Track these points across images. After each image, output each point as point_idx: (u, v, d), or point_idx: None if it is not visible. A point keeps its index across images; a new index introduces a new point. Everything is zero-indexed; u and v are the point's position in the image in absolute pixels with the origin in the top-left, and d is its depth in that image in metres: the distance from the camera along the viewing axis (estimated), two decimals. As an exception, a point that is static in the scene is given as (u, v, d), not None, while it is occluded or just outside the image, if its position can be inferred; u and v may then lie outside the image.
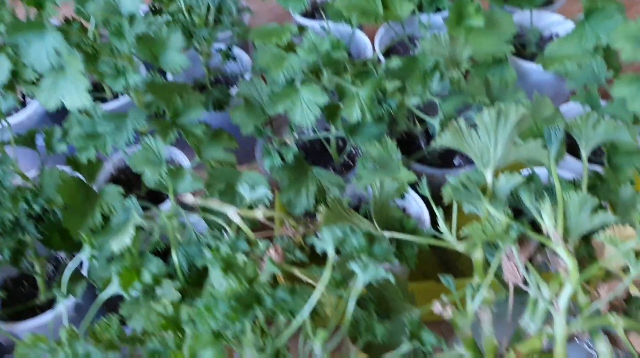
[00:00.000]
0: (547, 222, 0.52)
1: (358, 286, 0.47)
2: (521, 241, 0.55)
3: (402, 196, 0.69)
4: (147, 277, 0.47)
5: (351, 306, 0.47)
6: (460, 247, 0.59)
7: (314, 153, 0.85)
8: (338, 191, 0.73)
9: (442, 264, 0.87)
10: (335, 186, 0.73)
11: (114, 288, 0.50)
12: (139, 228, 0.57)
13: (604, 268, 0.57)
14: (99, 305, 0.51)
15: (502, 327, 0.55)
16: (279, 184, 0.73)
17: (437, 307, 0.51)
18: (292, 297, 0.46)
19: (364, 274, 0.46)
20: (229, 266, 0.44)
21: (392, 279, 0.47)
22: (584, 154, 0.58)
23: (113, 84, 0.65)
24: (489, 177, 0.56)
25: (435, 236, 0.63)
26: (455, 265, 0.87)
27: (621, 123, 0.56)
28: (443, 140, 0.55)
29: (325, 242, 0.47)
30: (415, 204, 0.78)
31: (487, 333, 0.52)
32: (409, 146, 0.85)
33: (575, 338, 0.54)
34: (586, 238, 0.59)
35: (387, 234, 0.64)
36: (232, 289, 0.44)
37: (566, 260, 0.50)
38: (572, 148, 0.72)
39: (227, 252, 0.45)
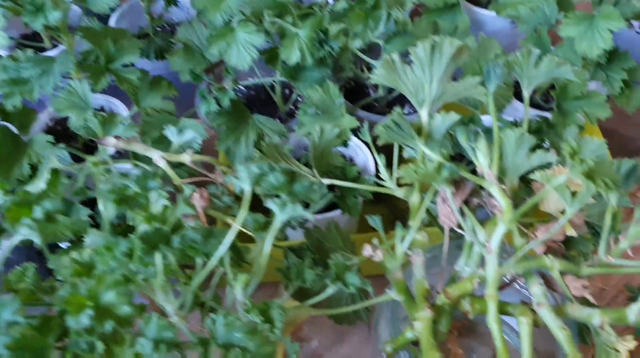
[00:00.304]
0: (481, 161, 0.49)
1: (276, 225, 0.45)
2: (457, 183, 0.52)
3: (345, 144, 0.66)
4: (38, 213, 0.44)
5: (268, 246, 0.45)
6: (399, 193, 0.57)
7: (260, 102, 0.82)
8: (279, 139, 0.70)
9: (393, 217, 0.85)
10: (277, 134, 0.71)
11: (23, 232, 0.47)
12: (57, 172, 0.54)
13: (546, 213, 0.55)
14: (7, 252, 0.48)
15: (438, 273, 0.53)
16: (217, 131, 0.70)
17: (367, 250, 0.49)
18: (206, 239, 0.43)
19: (281, 213, 0.44)
20: (125, 201, 0.41)
21: (310, 217, 0.45)
22: (526, 93, 0.56)
23: (32, 20, 0.60)
24: (424, 116, 0.53)
25: (377, 184, 0.60)
26: (406, 217, 0.85)
27: (565, 61, 0.54)
28: (377, 77, 0.52)
29: (242, 179, 0.45)
30: (361, 154, 0.75)
31: (418, 277, 0.49)
32: (357, 94, 0.82)
33: (513, 282, 0.52)
34: (527, 182, 0.57)
35: (327, 181, 0.61)
36: (140, 229, 0.41)
37: (500, 200, 0.48)
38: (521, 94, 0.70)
39: (136, 191, 0.42)
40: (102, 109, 0.84)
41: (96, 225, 0.55)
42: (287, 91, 0.83)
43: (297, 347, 0.49)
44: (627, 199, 0.54)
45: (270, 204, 0.44)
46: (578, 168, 0.43)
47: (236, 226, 0.43)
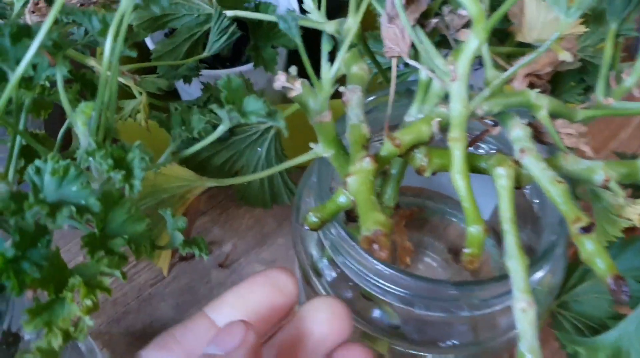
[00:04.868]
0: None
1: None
2: (409, -5, 0.37)
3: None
4: None
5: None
6: (329, 26, 0.41)
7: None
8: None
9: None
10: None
11: None
12: None
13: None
14: None
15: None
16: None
17: (279, 80, 0.33)
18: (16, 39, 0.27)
19: None
20: None
21: None
22: None
23: None
24: None
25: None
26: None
27: None
28: None
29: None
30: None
31: (354, 120, 0.35)
32: None
33: (483, 136, 0.38)
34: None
35: (230, 13, 0.45)
36: None
37: (469, 6, 0.33)
38: None
39: None
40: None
41: None
42: None
43: (181, 223, 0.34)
44: (631, 26, 0.40)
45: None
46: None
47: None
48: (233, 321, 0.29)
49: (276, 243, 0.62)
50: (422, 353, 0.38)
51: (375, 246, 0.29)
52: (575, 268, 0.43)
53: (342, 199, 0.33)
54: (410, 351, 0.38)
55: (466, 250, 0.31)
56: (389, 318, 0.40)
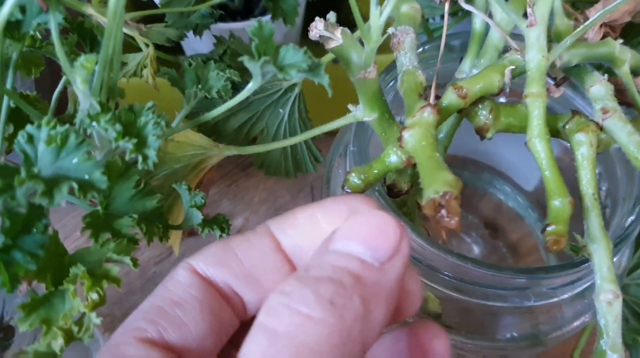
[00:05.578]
0: None
1: None
2: None
3: None
4: None
5: None
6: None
7: None
8: None
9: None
10: None
11: None
12: None
13: None
14: None
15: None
16: None
17: (316, 27, 0.28)
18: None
19: None
20: None
21: None
22: None
23: None
24: None
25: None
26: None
27: None
28: None
29: None
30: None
31: (407, 66, 0.29)
32: None
33: (561, 84, 0.32)
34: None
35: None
36: None
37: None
38: None
39: None
40: None
41: None
42: None
43: (199, 199, 0.29)
44: None
45: None
46: None
47: None
48: (384, 216, 0.22)
49: (292, 214, 0.57)
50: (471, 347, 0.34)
51: (443, 213, 0.24)
52: (637, 247, 0.38)
53: (394, 158, 0.28)
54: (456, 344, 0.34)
55: (550, 228, 0.25)
56: (430, 307, 0.35)
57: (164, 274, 0.52)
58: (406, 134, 0.26)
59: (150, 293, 0.52)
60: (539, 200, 0.46)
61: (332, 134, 0.37)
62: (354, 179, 0.28)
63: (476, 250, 0.48)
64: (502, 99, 0.33)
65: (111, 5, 0.25)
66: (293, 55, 0.24)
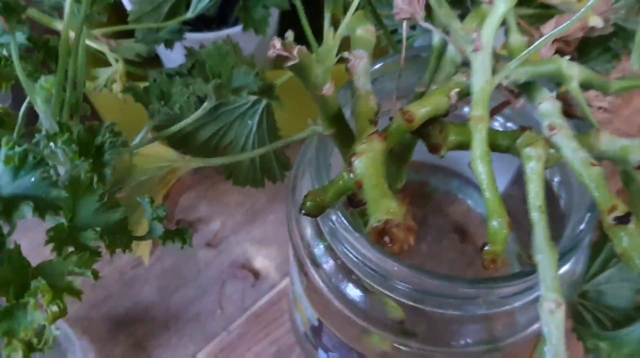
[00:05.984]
0: None
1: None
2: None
3: None
4: None
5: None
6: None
7: None
8: None
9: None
10: None
11: None
12: None
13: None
14: None
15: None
16: None
17: (274, 47, 0.29)
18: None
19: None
20: None
21: None
22: None
23: None
24: None
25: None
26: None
27: None
28: None
29: None
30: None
31: (361, 91, 0.30)
32: None
33: (504, 107, 0.33)
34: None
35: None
36: None
37: (496, -39, 0.29)
38: None
39: None
40: None
41: None
42: None
43: (161, 212, 0.30)
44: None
45: None
46: None
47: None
48: None
49: (267, 219, 0.58)
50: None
51: (386, 239, 0.25)
52: (597, 254, 0.40)
53: (347, 182, 0.29)
54: (417, 350, 0.35)
55: (487, 247, 0.27)
56: (393, 314, 0.36)
57: (142, 278, 0.53)
58: (355, 161, 0.27)
59: (127, 297, 0.53)
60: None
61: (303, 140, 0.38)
62: (310, 203, 0.29)
63: (446, 254, 0.49)
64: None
65: (65, 16, 0.26)
66: (244, 77, 0.25)
